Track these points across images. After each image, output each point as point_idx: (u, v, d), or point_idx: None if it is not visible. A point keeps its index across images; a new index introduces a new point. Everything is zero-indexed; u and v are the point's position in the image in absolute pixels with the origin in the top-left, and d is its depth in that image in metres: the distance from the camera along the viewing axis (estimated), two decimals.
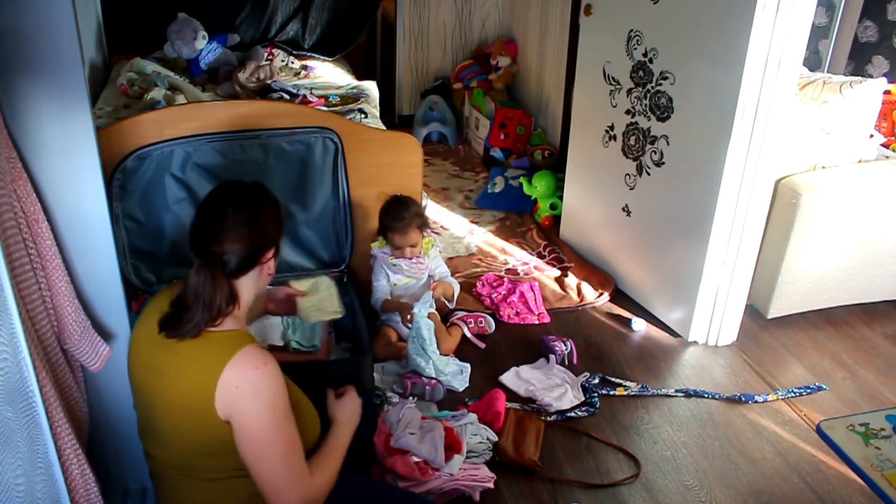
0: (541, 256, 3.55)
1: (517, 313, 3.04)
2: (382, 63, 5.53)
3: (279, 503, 1.46)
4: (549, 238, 3.69)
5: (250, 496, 1.53)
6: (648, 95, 2.91)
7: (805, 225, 2.88)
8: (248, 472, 1.49)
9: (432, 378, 2.57)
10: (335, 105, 3.62)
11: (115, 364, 1.77)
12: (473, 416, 2.35)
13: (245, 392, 1.43)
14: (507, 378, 2.67)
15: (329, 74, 4.26)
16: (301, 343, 2.40)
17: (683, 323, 2.96)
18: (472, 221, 3.88)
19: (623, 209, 3.17)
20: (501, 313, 3.05)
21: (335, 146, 2.72)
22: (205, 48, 3.94)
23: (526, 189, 3.84)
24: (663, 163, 2.90)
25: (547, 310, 3.09)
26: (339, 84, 4.06)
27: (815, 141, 3.08)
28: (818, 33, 4.03)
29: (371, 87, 3.96)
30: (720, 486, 2.26)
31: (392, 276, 2.78)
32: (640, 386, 2.67)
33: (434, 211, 3.93)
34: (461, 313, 2.97)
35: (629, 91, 3.01)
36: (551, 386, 2.61)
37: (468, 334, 2.89)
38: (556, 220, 3.75)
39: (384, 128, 3.24)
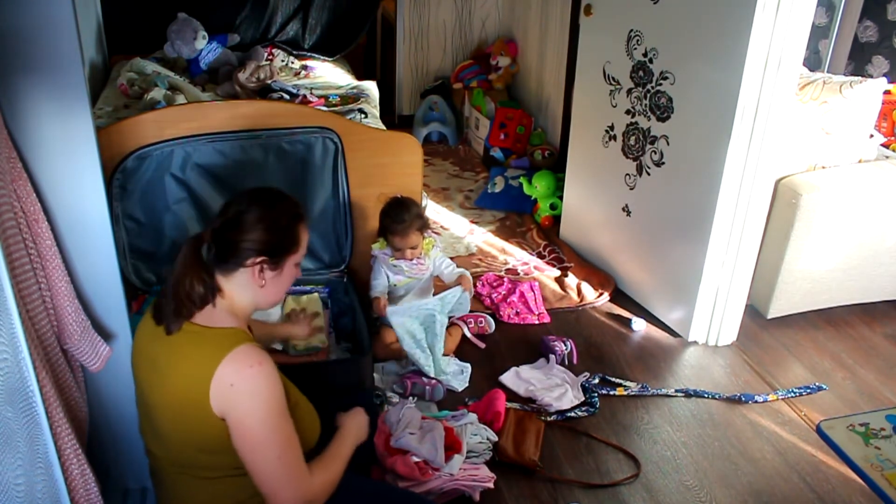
0: (541, 256, 3.55)
1: (517, 313, 3.04)
2: (382, 63, 5.53)
3: (277, 502, 1.46)
4: (549, 238, 3.69)
5: (249, 496, 1.53)
6: (648, 95, 2.91)
7: (805, 225, 2.88)
8: (246, 472, 1.49)
9: (432, 378, 2.57)
10: (335, 105, 3.62)
11: (115, 364, 1.77)
12: (473, 416, 2.35)
13: (240, 390, 1.43)
14: (507, 378, 2.67)
15: (329, 74, 4.26)
16: (298, 348, 2.40)
17: (683, 323, 2.96)
18: (472, 221, 3.88)
19: (623, 209, 3.17)
20: (501, 313, 3.05)
21: (335, 146, 2.72)
22: (205, 48, 3.94)
23: (526, 189, 3.84)
24: (663, 163, 2.90)
25: (547, 310, 3.09)
26: (339, 84, 4.06)
27: (815, 141, 3.08)
28: (818, 33, 4.03)
29: (371, 87, 3.96)
30: (720, 486, 2.26)
31: (392, 277, 2.78)
32: (640, 386, 2.67)
33: (434, 211, 3.93)
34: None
35: (629, 91, 3.01)
36: (551, 386, 2.61)
37: (468, 334, 2.89)
38: (556, 220, 3.75)
39: (384, 128, 3.24)
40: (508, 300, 3.07)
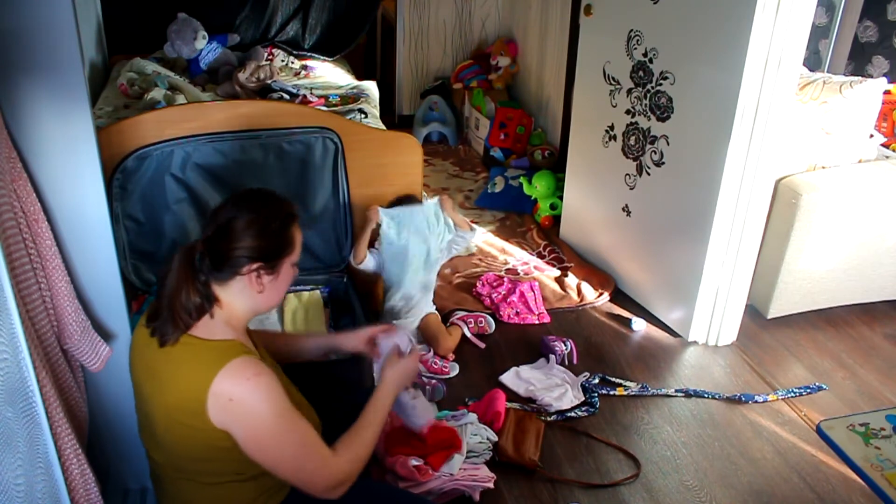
0: (541, 256, 3.55)
1: (517, 313, 3.04)
2: (382, 63, 5.53)
3: (311, 492, 1.47)
4: (549, 238, 3.69)
5: (251, 500, 1.53)
6: (648, 95, 2.91)
7: (805, 225, 2.88)
8: (248, 478, 1.49)
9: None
10: (335, 105, 3.62)
11: (115, 364, 1.77)
12: (473, 416, 2.35)
13: (241, 404, 1.41)
14: (507, 378, 2.67)
15: (329, 74, 4.26)
16: None
17: (683, 323, 2.96)
18: (473, 221, 3.87)
19: (623, 209, 3.17)
20: (501, 313, 3.05)
21: (335, 146, 2.72)
22: (205, 48, 3.94)
23: (526, 189, 3.84)
24: (663, 163, 2.90)
25: (547, 310, 3.09)
26: (339, 84, 4.06)
27: (815, 141, 3.08)
28: (818, 33, 4.03)
29: (371, 87, 3.96)
30: (720, 486, 2.26)
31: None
32: (640, 386, 2.67)
33: None
34: (461, 313, 2.98)
35: (629, 91, 3.01)
36: (551, 386, 2.61)
37: (468, 334, 2.89)
38: (556, 220, 3.75)
39: (384, 128, 3.24)
40: (508, 300, 3.07)
